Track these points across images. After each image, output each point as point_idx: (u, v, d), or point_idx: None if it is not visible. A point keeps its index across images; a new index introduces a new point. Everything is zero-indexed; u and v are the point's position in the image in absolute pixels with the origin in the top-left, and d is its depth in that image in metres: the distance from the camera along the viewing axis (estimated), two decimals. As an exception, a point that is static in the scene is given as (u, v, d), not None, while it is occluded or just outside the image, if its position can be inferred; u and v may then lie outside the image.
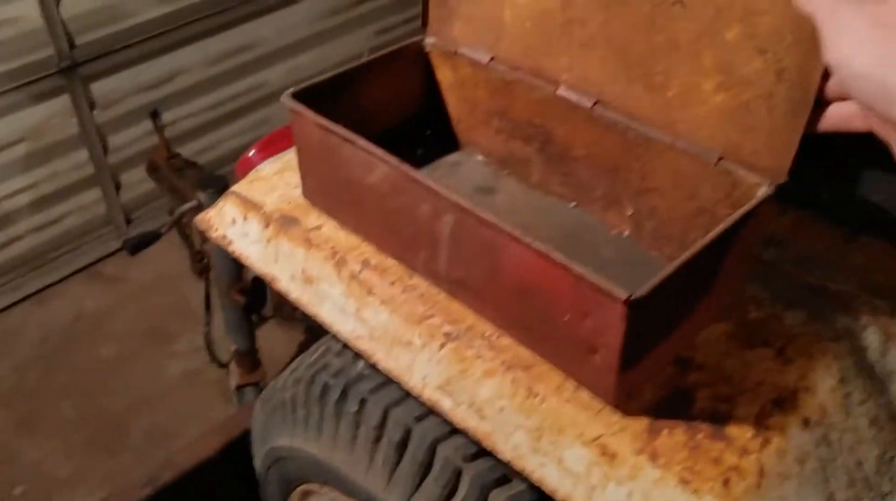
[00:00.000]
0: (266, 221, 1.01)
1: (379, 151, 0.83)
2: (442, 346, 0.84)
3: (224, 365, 2.43)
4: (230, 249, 1.06)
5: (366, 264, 0.92)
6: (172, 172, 2.38)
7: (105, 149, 2.85)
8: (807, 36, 0.69)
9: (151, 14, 2.76)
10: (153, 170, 2.46)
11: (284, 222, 0.99)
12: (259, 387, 2.36)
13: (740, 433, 0.75)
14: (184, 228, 2.31)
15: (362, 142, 0.84)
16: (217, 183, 2.13)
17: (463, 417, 0.83)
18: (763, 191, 0.76)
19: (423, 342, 0.86)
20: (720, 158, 0.79)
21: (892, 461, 0.85)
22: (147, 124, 2.82)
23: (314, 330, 2.67)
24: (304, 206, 1.01)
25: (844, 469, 0.79)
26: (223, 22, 2.94)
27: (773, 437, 0.75)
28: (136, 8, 2.71)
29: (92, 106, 2.75)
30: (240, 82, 3.08)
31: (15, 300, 2.81)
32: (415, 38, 1.02)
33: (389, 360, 0.89)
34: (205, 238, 2.25)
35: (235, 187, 1.08)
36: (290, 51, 3.17)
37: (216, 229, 1.08)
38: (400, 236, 0.88)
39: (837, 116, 0.70)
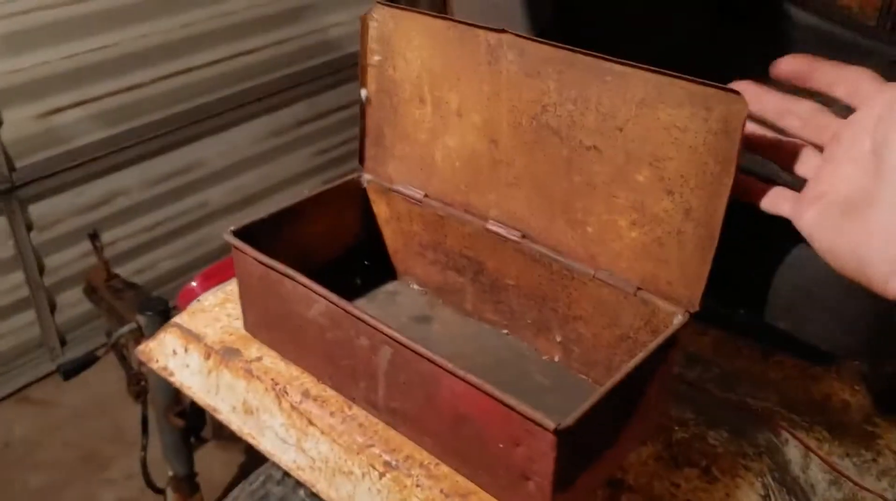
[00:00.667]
0: (207, 352, 1.03)
1: (317, 287, 0.86)
2: (381, 476, 0.86)
3: (161, 491, 2.36)
4: (171, 379, 1.07)
5: (306, 394, 0.94)
6: (111, 294, 2.37)
7: (41, 270, 2.83)
8: (709, 180, 0.76)
9: (92, 138, 2.80)
10: (91, 291, 2.45)
11: (225, 354, 1.01)
12: (197, 513, 2.30)
13: (671, 553, 0.78)
14: (121, 350, 2.29)
15: (301, 278, 0.87)
16: (156, 305, 2.13)
17: (404, 547, 0.84)
18: (678, 319, 0.81)
19: (364, 471, 0.87)
20: (638, 289, 0.85)
21: (817, 576, 0.88)
22: (85, 245, 2.82)
23: (253, 453, 2.64)
24: (245, 337, 1.03)
25: (772, 585, 0.83)
26: (164, 144, 2.99)
27: (701, 556, 0.78)
28: (76, 132, 2.75)
29: (29, 228, 2.74)
30: (180, 203, 3.11)
31: (-61, 427, 2.72)
32: (352, 176, 1.08)
33: (331, 490, 0.90)
34: (142, 361, 2.24)
35: (176, 319, 1.10)
36: (231, 171, 3.23)
37: (157, 361, 1.09)
38: (339, 368, 0.90)
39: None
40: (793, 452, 0.97)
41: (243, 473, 2.64)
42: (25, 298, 2.82)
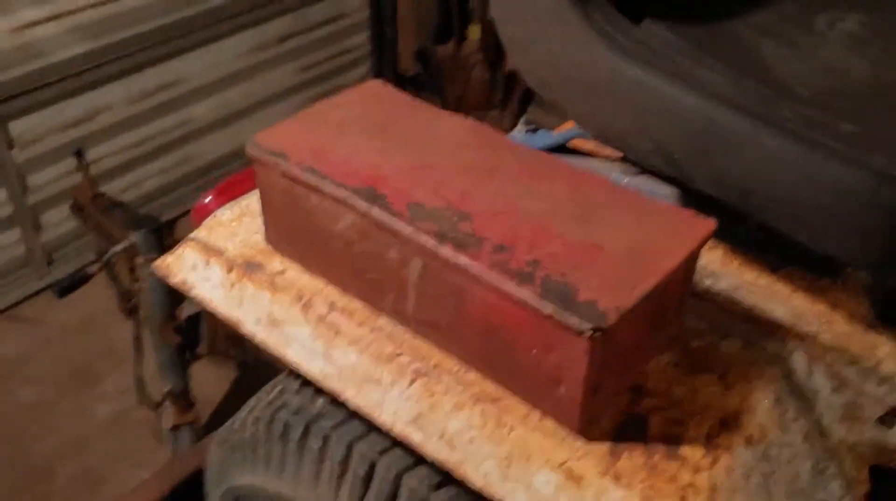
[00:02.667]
0: (229, 265, 1.04)
1: (348, 196, 0.87)
2: (411, 382, 0.89)
3: (156, 406, 2.40)
4: (192, 294, 1.08)
5: (333, 306, 0.96)
6: (98, 212, 2.35)
7: (24, 188, 2.79)
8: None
9: (70, 52, 2.73)
10: (78, 209, 2.43)
11: (248, 267, 1.03)
12: (194, 427, 2.34)
13: (692, 452, 0.82)
14: (112, 268, 2.29)
15: (329, 187, 0.88)
16: (150, 223, 2.13)
17: (434, 449, 0.88)
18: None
19: (393, 379, 0.90)
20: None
21: (823, 472, 0.93)
22: (68, 163, 2.78)
23: (247, 368, 2.67)
24: (266, 251, 1.04)
25: (784, 481, 0.87)
26: (147, 59, 2.93)
27: (721, 455, 0.83)
28: (53, 47, 2.68)
29: (10, 145, 2.69)
30: (164, 119, 3.06)
31: (-72, 344, 2.72)
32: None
33: (359, 398, 0.93)
34: (135, 278, 2.24)
35: (195, 233, 1.10)
36: (215, 87, 3.18)
37: (175, 275, 1.10)
38: (367, 280, 0.92)
39: None
40: (798, 361, 1.01)
41: (237, 389, 2.69)
42: (9, 216, 2.79)
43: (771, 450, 0.87)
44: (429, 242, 0.82)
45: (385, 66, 3.85)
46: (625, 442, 0.83)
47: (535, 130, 1.28)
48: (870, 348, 1.05)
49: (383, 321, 0.94)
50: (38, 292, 2.94)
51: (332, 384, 0.95)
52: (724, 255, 1.13)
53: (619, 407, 0.86)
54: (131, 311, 2.35)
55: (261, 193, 1.00)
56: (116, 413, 2.65)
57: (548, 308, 0.75)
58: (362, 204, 0.87)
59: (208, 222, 1.12)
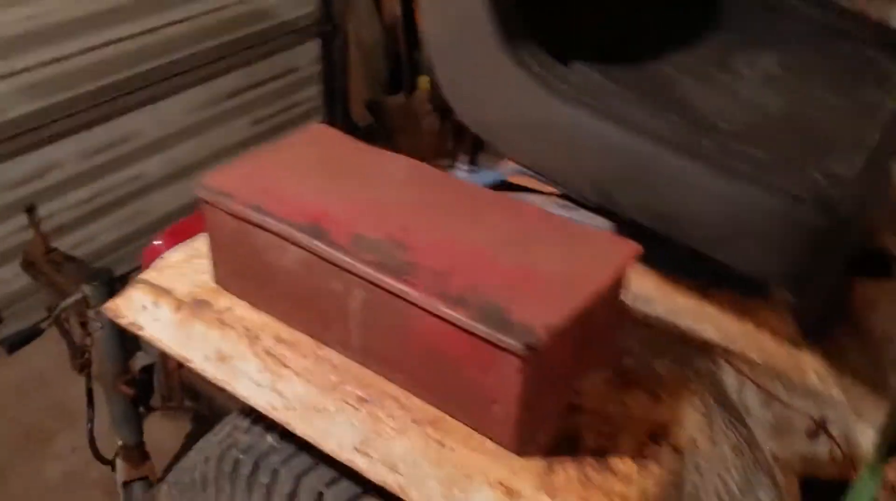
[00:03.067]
0: (178, 305, 1.07)
1: (292, 233, 0.91)
2: (356, 410, 0.92)
3: (109, 462, 2.37)
4: (141, 333, 1.10)
5: (278, 339, 0.99)
6: (51, 267, 2.35)
7: (-26, 247, 2.77)
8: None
9: (21, 111, 2.74)
10: (29, 266, 2.42)
11: (196, 306, 1.05)
12: (148, 481, 2.31)
13: (623, 464, 0.86)
14: (63, 322, 2.28)
15: (274, 225, 0.92)
16: (101, 275, 2.13)
17: (379, 474, 0.90)
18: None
19: (338, 407, 0.93)
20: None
21: (753, 483, 0.98)
22: (19, 220, 2.76)
23: (201, 420, 2.65)
24: (214, 290, 1.07)
25: (714, 491, 0.92)
26: (97, 116, 2.94)
27: (651, 466, 0.87)
28: (4, 105, 2.69)
29: (-40, 203, 2.68)
30: (116, 174, 3.07)
31: None
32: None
33: (306, 428, 0.95)
34: (86, 332, 2.23)
35: (144, 275, 1.13)
36: (167, 142, 3.20)
37: (125, 316, 1.12)
38: (313, 313, 0.96)
39: None
40: (729, 377, 1.06)
41: (192, 441, 2.66)
42: (-41, 276, 2.77)
43: (701, 461, 0.91)
44: (369, 271, 0.86)
45: (337, 117, 3.91)
46: (560, 457, 0.86)
47: (474, 170, 1.34)
48: (795, 363, 1.11)
49: (327, 352, 0.97)
50: (-12, 353, 2.90)
51: (280, 415, 0.97)
52: (658, 281, 1.19)
53: (554, 425, 0.90)
54: (83, 366, 2.33)
55: (209, 232, 1.03)
56: (69, 473, 2.60)
57: (481, 329, 0.79)
58: (306, 239, 0.91)
59: (157, 263, 1.15)
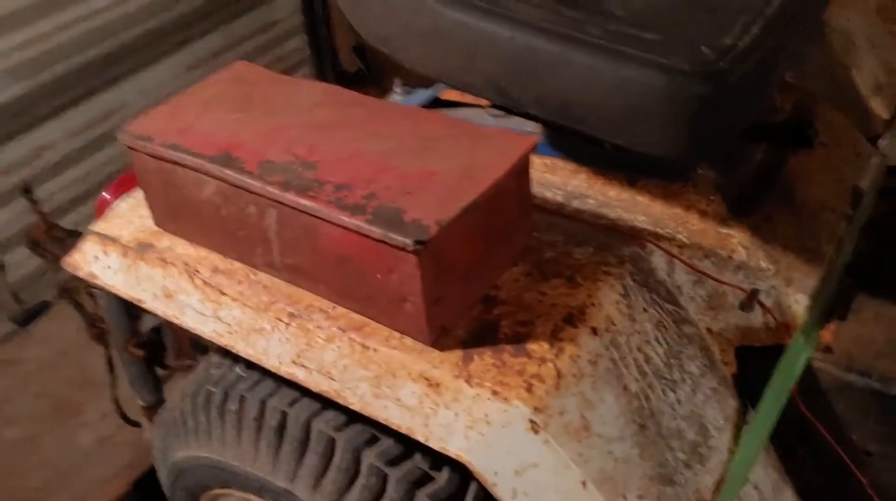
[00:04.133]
0: (124, 251, 1.12)
1: (204, 165, 0.95)
2: (287, 326, 0.97)
3: (136, 423, 2.46)
4: (97, 283, 1.16)
5: (215, 270, 1.04)
6: (54, 244, 2.42)
7: (-18, 234, 2.86)
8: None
9: (6, 95, 2.80)
10: (34, 245, 2.50)
11: (140, 249, 1.11)
12: (172, 436, 2.41)
13: (538, 347, 0.90)
14: (74, 296, 2.35)
15: (188, 160, 0.96)
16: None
17: (316, 382, 0.96)
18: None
19: (273, 325, 0.98)
20: (489, 127, 0.95)
21: (679, 355, 1.01)
22: (21, 203, 2.85)
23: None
24: (156, 232, 1.12)
25: (635, 364, 0.95)
26: (82, 92, 2.99)
27: (566, 346, 0.91)
28: (-11, 90, 2.75)
29: (-39, 192, 2.77)
30: (109, 148, 3.13)
31: (-90, 400, 2.78)
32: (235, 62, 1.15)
33: (248, 349, 1.01)
34: (95, 302, 2.31)
35: (93, 226, 1.18)
36: (153, 111, 3.25)
37: (82, 269, 1.18)
38: (238, 239, 1.00)
39: None
40: (658, 260, 1.09)
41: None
42: (-29, 262, 2.86)
43: (619, 338, 0.95)
44: (276, 192, 0.90)
45: (325, 65, 3.92)
46: (477, 348, 0.91)
47: (409, 91, 1.36)
48: (723, 241, 1.14)
49: (260, 276, 1.02)
50: (11, 334, 3.01)
51: (225, 340, 1.03)
52: (589, 177, 1.22)
53: (471, 318, 0.94)
54: (99, 335, 2.41)
55: (138, 177, 1.08)
56: (101, 439, 2.71)
57: (377, 232, 0.83)
58: (217, 169, 0.95)
59: (106, 215, 1.20)
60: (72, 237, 2.42)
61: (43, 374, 2.91)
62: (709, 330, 1.09)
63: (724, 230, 1.14)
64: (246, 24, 3.54)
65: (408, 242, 0.81)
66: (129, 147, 1.04)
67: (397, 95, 1.37)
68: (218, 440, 1.20)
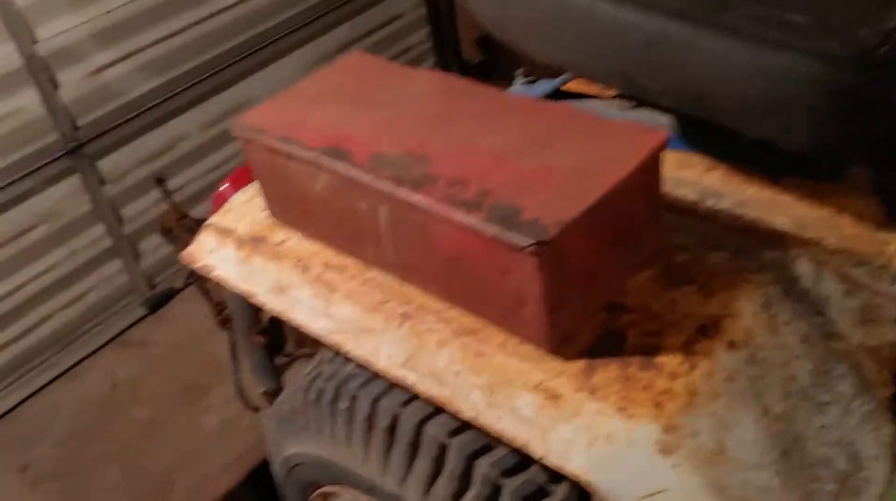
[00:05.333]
0: (239, 243, 1.11)
1: (313, 158, 0.92)
2: (399, 326, 0.93)
3: (256, 409, 2.51)
4: (213, 276, 1.15)
5: (327, 265, 1.01)
6: (185, 232, 2.50)
7: (120, 221, 2.98)
8: None
9: (143, 88, 2.90)
10: (166, 233, 2.58)
11: (255, 242, 1.09)
12: (291, 424, 2.44)
13: (669, 361, 0.82)
14: (202, 283, 2.42)
15: (298, 152, 0.93)
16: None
17: (426, 387, 0.91)
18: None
19: (384, 326, 0.94)
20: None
21: (827, 373, 0.91)
22: (155, 192, 2.96)
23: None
24: (271, 225, 1.10)
25: (778, 383, 0.86)
26: (214, 85, 3.08)
27: (700, 361, 0.82)
28: (127, 85, 2.86)
29: (101, 182, 2.89)
30: (238, 141, 3.21)
31: (50, 379, 2.93)
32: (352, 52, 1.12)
33: (358, 348, 0.97)
34: (223, 289, 2.36)
35: (211, 219, 1.18)
36: (281, 104, 3.31)
37: (198, 261, 1.18)
38: (349, 235, 0.97)
39: None
40: (803, 267, 0.98)
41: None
42: (110, 248, 2.99)
43: (759, 354, 0.86)
44: (387, 187, 0.86)
45: (449, 58, 3.90)
46: (601, 358, 0.83)
47: (533, 81, 1.30)
48: (880, 247, 1.01)
49: (373, 273, 0.98)
50: (143, 318, 3.14)
51: (334, 338, 1.00)
52: (725, 174, 1.12)
53: (595, 325, 0.87)
54: (225, 322, 2.47)
55: (253, 170, 1.06)
56: (224, 423, 2.79)
57: (494, 231, 0.77)
58: (329, 162, 0.91)
59: (223, 208, 1.19)
60: (199, 227, 2.49)
61: (172, 357, 3.02)
62: (862, 347, 0.97)
63: (881, 235, 1.02)
64: (371, 17, 3.56)
65: (526, 242, 0.75)
66: (243, 139, 1.02)
67: (519, 86, 1.31)
68: (329, 437, 1.18)
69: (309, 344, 2.52)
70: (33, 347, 2.89)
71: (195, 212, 2.92)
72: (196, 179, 3.15)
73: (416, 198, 0.83)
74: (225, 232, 1.14)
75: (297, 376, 1.33)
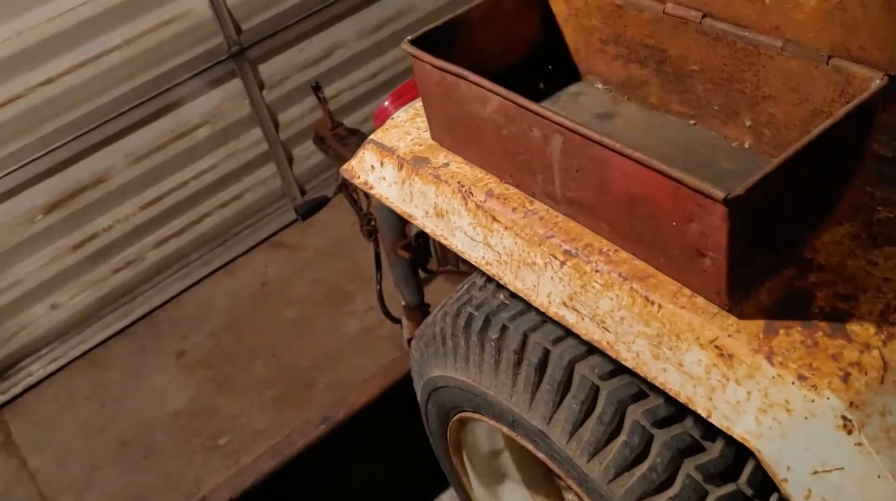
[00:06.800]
0: (400, 163, 1.08)
1: (489, 84, 0.87)
2: (562, 264, 0.88)
3: (396, 320, 2.56)
4: (372, 193, 1.14)
5: (489, 194, 0.97)
6: (337, 141, 2.52)
7: (276, 126, 3.05)
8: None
9: (302, -5, 2.91)
10: (319, 141, 2.62)
11: (416, 163, 1.06)
12: (430, 339, 2.46)
13: (862, 330, 0.75)
14: (351, 193, 2.45)
15: (473, 77, 0.89)
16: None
17: (587, 329, 0.87)
18: (876, 83, 0.74)
19: (546, 261, 0.90)
20: (830, 57, 0.78)
21: None
22: (311, 100, 2.99)
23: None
24: (433, 147, 1.07)
25: None
26: (375, -7, 3.06)
27: (898, 333, 0.74)
28: (286, -8, 2.88)
29: (261, 86, 2.95)
30: (394, 51, 3.19)
31: (206, 274, 3.09)
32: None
33: (517, 281, 0.94)
34: (370, 201, 2.39)
35: (372, 136, 1.16)
36: (437, 15, 3.24)
37: (358, 177, 1.17)
38: (517, 164, 0.92)
39: None
40: None
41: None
42: (265, 152, 3.07)
43: (970, 331, 0.76)
44: (565, 118, 0.80)
45: None
46: (783, 319, 0.77)
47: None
48: None
49: (536, 205, 0.94)
50: (294, 221, 3.23)
51: (493, 269, 0.97)
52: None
53: (779, 282, 0.79)
54: (371, 233, 2.50)
55: (420, 89, 1.03)
56: (365, 329, 2.86)
57: (682, 174, 0.71)
58: (503, 87, 0.86)
59: (386, 124, 1.17)
60: (354, 136, 2.50)
61: (320, 262, 3.11)
62: None
63: None
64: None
65: (718, 192, 0.68)
66: (413, 57, 0.98)
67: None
68: (475, 365, 1.17)
69: (451, 263, 2.52)
70: (193, 242, 3.04)
71: (348, 121, 2.95)
72: (350, 88, 3.16)
73: (597, 134, 0.77)
74: (386, 150, 1.11)
75: (445, 297, 1.31)
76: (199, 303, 3.02)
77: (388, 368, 1.77)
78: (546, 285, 0.90)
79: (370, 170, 1.14)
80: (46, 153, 2.54)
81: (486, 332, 1.14)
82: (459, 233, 1.00)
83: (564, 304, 0.89)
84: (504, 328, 1.11)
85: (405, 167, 1.07)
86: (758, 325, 0.77)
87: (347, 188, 2.40)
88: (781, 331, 0.76)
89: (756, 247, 0.75)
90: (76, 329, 2.85)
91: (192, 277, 3.04)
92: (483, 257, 0.97)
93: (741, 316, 0.77)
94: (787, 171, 0.70)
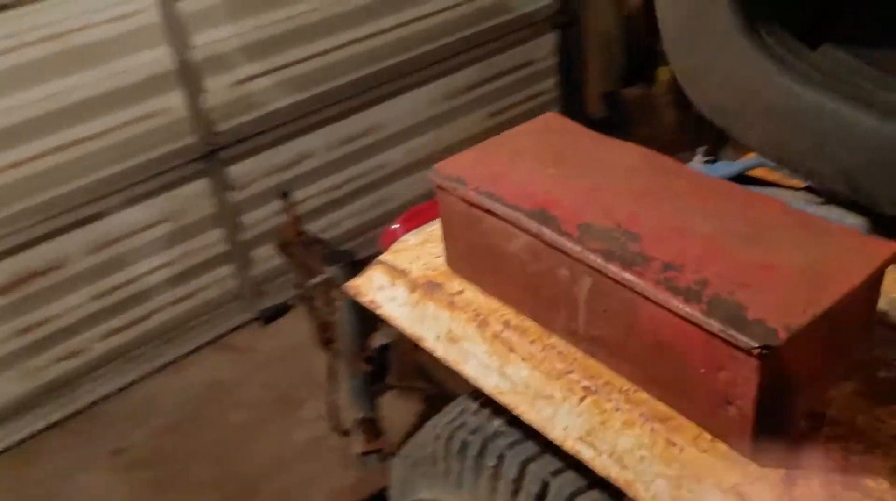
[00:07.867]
0: (412, 286, 1.11)
1: (518, 218, 0.91)
2: (582, 399, 0.91)
3: (346, 433, 2.52)
4: (379, 312, 1.16)
5: (507, 324, 1.00)
6: (301, 248, 2.54)
7: (238, 227, 3.06)
8: None
9: (282, 103, 2.98)
10: (283, 246, 2.63)
11: (429, 288, 1.09)
12: (382, 454, 2.43)
13: (876, 485, 0.78)
14: (310, 300, 2.45)
15: (502, 210, 0.93)
16: (345, 257, 2.28)
17: (604, 466, 0.89)
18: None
19: (564, 395, 0.93)
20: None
21: None
22: (277, 203, 3.02)
23: (432, 400, 2.75)
24: (446, 273, 1.10)
25: None
26: (347, 108, 3.15)
27: (910, 490, 0.78)
28: (268, 98, 2.94)
29: (229, 188, 2.97)
30: (362, 164, 3.26)
31: (153, 370, 3.01)
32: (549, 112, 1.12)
33: (532, 413, 0.96)
34: (331, 310, 2.39)
35: (382, 257, 1.19)
36: (408, 133, 3.35)
37: (364, 295, 1.19)
38: (540, 299, 0.96)
39: None
40: None
41: (423, 420, 2.77)
42: (225, 252, 3.06)
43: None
44: (597, 260, 0.85)
45: (573, 109, 3.89)
46: (801, 470, 0.80)
47: (713, 161, 1.28)
48: None
49: (554, 340, 0.97)
50: (247, 323, 3.19)
51: (507, 399, 0.98)
52: (920, 285, 1.07)
53: (796, 433, 0.83)
54: (327, 342, 2.49)
55: (442, 217, 1.07)
56: (313, 438, 2.80)
57: (715, 326, 0.75)
58: (534, 225, 0.91)
59: (395, 246, 1.20)
60: (318, 244, 2.53)
61: (271, 366, 3.06)
62: None
63: None
64: (504, 61, 3.59)
65: (753, 344, 0.73)
66: (439, 187, 1.03)
67: (698, 164, 1.28)
68: (469, 491, 1.17)
69: (410, 379, 2.52)
70: (142, 336, 2.97)
71: (310, 228, 2.97)
72: (316, 195, 3.21)
73: (629, 277, 0.82)
74: (397, 272, 1.14)
75: (434, 421, 1.32)
76: (143, 400, 2.93)
77: (351, 490, 1.73)
78: (563, 419, 0.92)
79: (379, 289, 1.16)
80: (6, 236, 2.50)
81: (482, 458, 1.15)
82: (473, 360, 1.02)
83: (581, 439, 0.91)
84: (501, 457, 1.12)
85: (418, 290, 1.10)
86: (777, 474, 0.80)
87: (307, 298, 2.40)
88: (801, 481, 0.79)
89: (779, 397, 0.79)
90: (7, 420, 2.73)
91: (138, 372, 2.97)
92: (496, 386, 0.99)
93: (762, 464, 0.80)
94: (814, 329, 0.75)
